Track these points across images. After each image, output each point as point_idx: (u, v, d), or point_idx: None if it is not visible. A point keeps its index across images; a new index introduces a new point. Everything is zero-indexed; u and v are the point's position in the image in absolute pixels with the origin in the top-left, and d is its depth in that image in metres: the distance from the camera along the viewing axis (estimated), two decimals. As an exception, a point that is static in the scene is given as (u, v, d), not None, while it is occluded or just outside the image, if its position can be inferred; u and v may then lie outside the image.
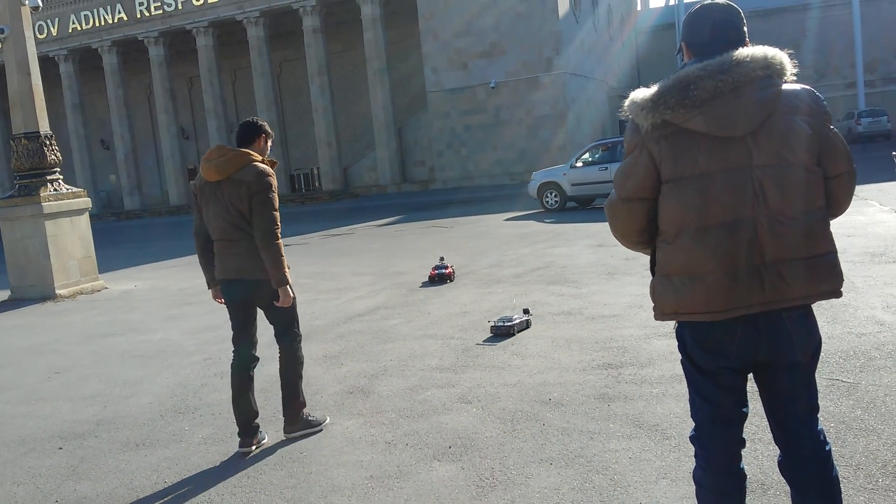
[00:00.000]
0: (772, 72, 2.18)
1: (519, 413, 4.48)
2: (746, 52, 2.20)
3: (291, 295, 4.34)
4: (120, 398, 5.75)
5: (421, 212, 23.02)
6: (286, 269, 4.29)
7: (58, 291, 11.42)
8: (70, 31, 42.49)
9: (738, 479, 2.39)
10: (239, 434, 4.44)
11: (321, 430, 4.58)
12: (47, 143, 11.74)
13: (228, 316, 4.60)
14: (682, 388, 3.14)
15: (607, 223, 2.46)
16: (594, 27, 39.61)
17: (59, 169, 12.03)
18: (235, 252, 4.32)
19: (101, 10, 41.60)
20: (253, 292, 4.39)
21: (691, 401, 2.40)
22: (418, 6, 34.90)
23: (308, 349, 6.00)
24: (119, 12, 41.19)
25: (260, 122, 4.55)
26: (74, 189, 12.27)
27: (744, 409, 2.36)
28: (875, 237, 9.26)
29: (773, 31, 46.82)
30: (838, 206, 2.32)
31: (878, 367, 4.59)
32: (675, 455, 3.67)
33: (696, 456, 2.42)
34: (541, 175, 19.46)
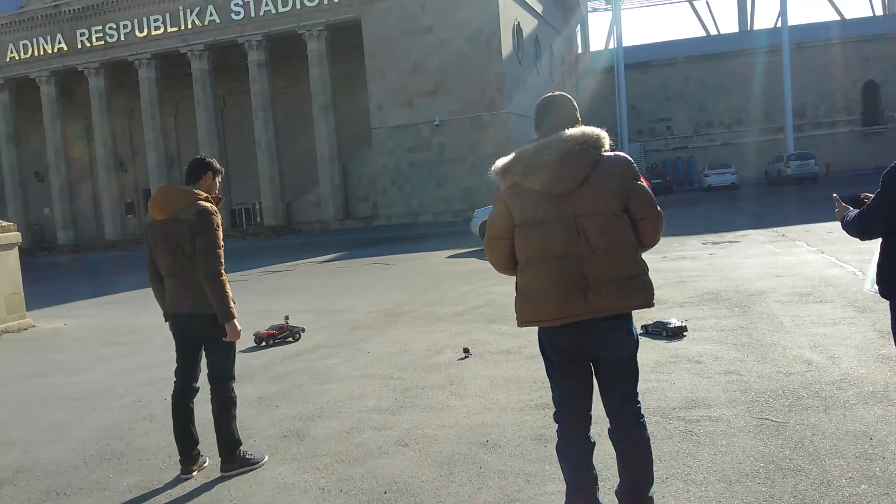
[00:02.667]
0: (588, 145, 2.97)
1: (456, 455, 4.44)
2: (570, 131, 3.00)
3: (238, 329, 4.43)
4: (42, 444, 5.51)
5: (364, 248, 22.93)
6: (231, 304, 4.39)
7: (-18, 329, 10.96)
8: (7, 59, 41.49)
9: (586, 447, 3.13)
10: (180, 461, 4.56)
11: (260, 468, 4.54)
12: (-25, 175, 11.34)
13: (175, 347, 4.71)
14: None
15: None
16: (537, 69, 40.45)
17: (-13, 202, 11.63)
18: (182, 288, 4.45)
19: (41, 39, 40.79)
20: (199, 326, 4.47)
21: (551, 388, 3.20)
22: (364, 44, 35.15)
23: (243, 390, 5.90)
24: (59, 42, 40.47)
25: (208, 160, 4.63)
26: (4, 223, 11.86)
27: (588, 394, 3.12)
28: (802, 277, 9.55)
29: (708, 75, 48.73)
30: (647, 241, 3.04)
31: (805, 407, 4.69)
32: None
33: (556, 431, 3.17)
34: (483, 213, 19.54)
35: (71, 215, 42.61)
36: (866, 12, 61.92)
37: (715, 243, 14.81)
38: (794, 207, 23.65)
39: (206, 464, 4.67)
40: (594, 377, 3.13)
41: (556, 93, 3.24)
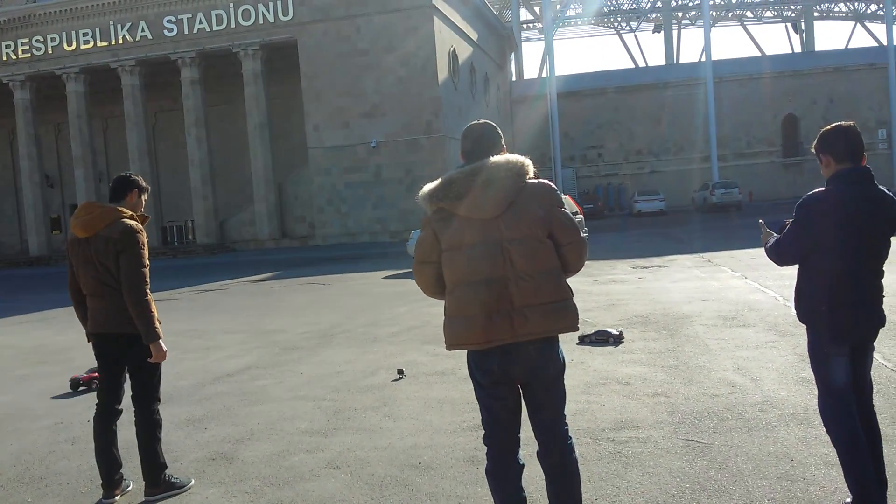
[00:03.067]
0: (513, 172, 3.01)
1: (388, 478, 4.42)
2: (495, 159, 3.05)
3: (164, 349, 4.33)
4: (-45, 468, 5.26)
5: (299, 268, 22.69)
6: (157, 325, 4.29)
7: None
8: (-74, 69, 39.83)
9: (514, 470, 3.12)
10: (102, 486, 4.40)
11: (186, 492, 4.44)
12: None
13: (96, 368, 4.56)
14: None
15: None
16: (472, 95, 40.96)
17: None
18: (105, 307, 4.32)
19: (-38, 49, 39.29)
20: (122, 346, 4.36)
21: (480, 410, 3.18)
22: (300, 65, 35.02)
23: (170, 412, 5.77)
24: (-18, 53, 39.04)
25: (133, 177, 4.53)
26: (-83, 238, 11.34)
27: (517, 416, 3.11)
28: (727, 301, 9.88)
29: (636, 106, 50.15)
30: (571, 266, 3.09)
31: (729, 428, 4.84)
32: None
33: (486, 453, 3.16)
34: (418, 234, 19.64)
35: (-9, 230, 40.95)
36: (786, 49, 64.94)
37: (644, 267, 15.19)
38: (719, 234, 24.43)
39: (129, 488, 4.54)
40: (522, 399, 3.15)
41: (482, 121, 3.28)
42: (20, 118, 39.12)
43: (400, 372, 7.05)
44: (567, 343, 6.12)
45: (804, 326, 3.57)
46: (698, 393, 5.70)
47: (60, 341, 10.86)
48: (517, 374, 3.04)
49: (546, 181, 3.12)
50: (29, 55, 38.47)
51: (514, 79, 55.86)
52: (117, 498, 4.41)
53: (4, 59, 38.73)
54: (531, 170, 3.08)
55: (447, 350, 3.14)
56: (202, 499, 4.35)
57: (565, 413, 3.19)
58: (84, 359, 8.96)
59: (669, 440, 4.69)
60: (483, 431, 3.19)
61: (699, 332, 7.98)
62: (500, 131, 3.24)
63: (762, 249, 3.72)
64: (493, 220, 2.97)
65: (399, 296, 13.83)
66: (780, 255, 3.54)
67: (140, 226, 4.38)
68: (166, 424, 4.68)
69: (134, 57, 37.00)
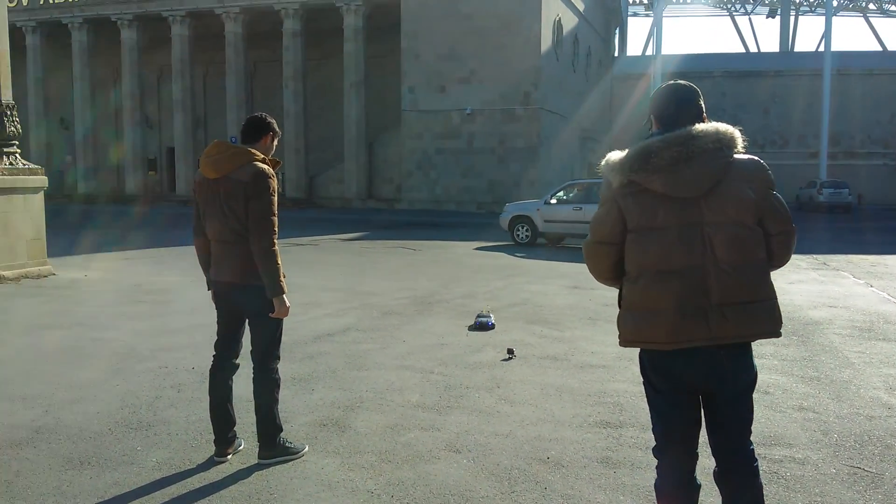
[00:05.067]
0: (722, 145, 2.58)
1: (516, 471, 4.06)
2: (702, 127, 2.60)
3: (287, 305, 4.02)
4: (63, 402, 5.17)
5: (387, 230, 22.56)
6: (282, 279, 3.98)
7: (1, 273, 10.64)
8: (41, 2, 41.12)
9: (690, 489, 2.75)
10: (215, 442, 4.20)
11: (300, 458, 4.19)
12: (8, 112, 11.01)
13: (216, 319, 4.27)
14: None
15: (580, 263, 2.86)
16: (573, 67, 39.87)
17: (17, 142, 11.30)
18: (230, 255, 4.01)
19: (76, -15, 40.40)
20: (245, 299, 4.06)
21: (651, 418, 2.80)
22: (402, 23, 34.62)
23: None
24: (95, -11, 40.05)
25: (268, 120, 4.22)
26: (31, 165, 11.54)
27: (696, 429, 2.73)
28: (858, 311, 9.12)
29: (744, 93, 48.02)
30: (779, 259, 2.69)
31: (896, 457, 4.29)
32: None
33: (656, 468, 2.79)
34: (514, 208, 19.20)
35: (94, 165, 42.31)
36: (910, 45, 60.91)
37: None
38: (828, 235, 23.11)
39: (241, 447, 4.33)
40: (703, 410, 2.74)
41: (680, 81, 2.81)
42: (126, 58, 40.01)
43: (510, 352, 6.68)
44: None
45: None
46: (851, 412, 5.13)
47: (161, 281, 10.90)
48: (703, 382, 2.65)
49: (756, 157, 2.67)
50: (138, -4, 39.27)
51: (616, 54, 54.16)
52: (229, 457, 4.20)
53: (115, -2, 39.64)
54: (741, 142, 2.63)
55: (620, 346, 2.74)
56: (317, 468, 4.08)
57: (752, 430, 2.78)
58: (185, 303, 8.93)
59: (831, 465, 4.17)
60: (653, 441, 2.82)
61: (835, 343, 7.32)
62: (701, 94, 2.77)
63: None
64: (695, 200, 2.56)
65: (494, 269, 13.45)
66: None
67: (272, 171, 4.05)
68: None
69: (239, 4, 37.26)
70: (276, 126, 4.26)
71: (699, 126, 2.61)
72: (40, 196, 11.45)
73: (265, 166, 4.01)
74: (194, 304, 8.40)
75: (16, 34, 40.31)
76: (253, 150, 4.04)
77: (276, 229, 4.01)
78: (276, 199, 4.03)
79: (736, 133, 2.62)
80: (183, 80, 39.21)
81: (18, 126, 11.30)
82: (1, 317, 8.31)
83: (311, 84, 38.39)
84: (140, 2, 39.22)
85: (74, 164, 42.67)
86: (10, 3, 39.70)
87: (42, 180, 11.54)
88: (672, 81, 2.82)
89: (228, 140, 4.12)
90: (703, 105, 2.73)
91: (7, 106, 11.01)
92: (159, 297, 9.63)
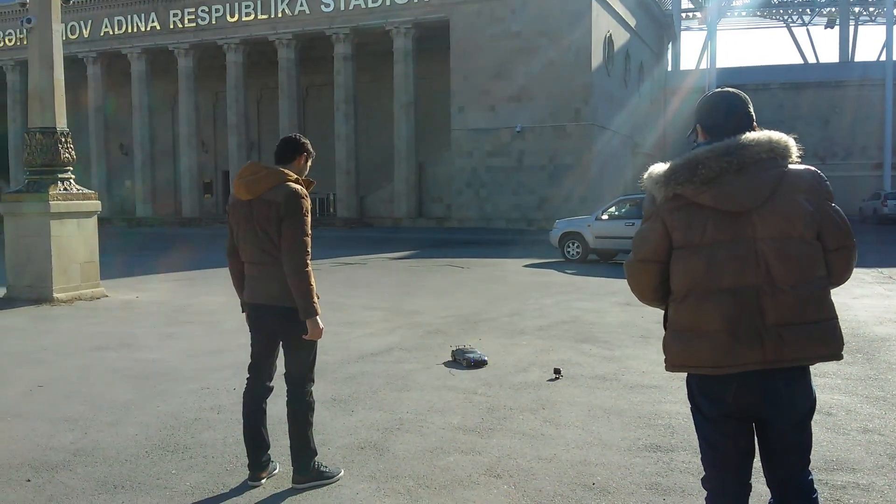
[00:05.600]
0: (775, 154, 2.41)
1: (559, 497, 3.86)
2: (753, 136, 2.44)
3: (321, 327, 3.92)
4: (103, 424, 5.15)
5: (436, 248, 22.48)
6: (315, 300, 3.88)
7: (55, 295, 10.85)
8: (101, 34, 42.52)
9: None
10: (248, 466, 4.12)
11: (335, 483, 4.08)
12: (62, 139, 11.27)
13: (250, 341, 4.22)
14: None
15: None
16: (625, 82, 39.46)
17: (71, 168, 11.55)
18: (264, 276, 3.95)
19: (135, 16, 41.63)
20: (279, 321, 3.98)
21: (700, 446, 2.63)
22: (451, 44, 34.76)
23: (316, 388, 5.42)
24: (152, 21, 41.23)
25: (302, 140, 4.13)
26: (85, 190, 11.78)
27: (749, 458, 2.54)
28: (928, 327, 8.65)
29: (803, 104, 46.79)
30: (838, 276, 2.49)
31: (975, 485, 3.96)
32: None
33: (705, 499, 2.63)
34: (564, 224, 18.94)
35: (152, 189, 43.40)
36: (978, 51, 58.73)
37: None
38: (894, 248, 22.21)
39: (276, 471, 4.22)
40: (756, 438, 2.55)
41: (727, 88, 2.65)
42: (182, 85, 41.07)
43: (557, 372, 6.47)
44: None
45: None
46: (931, 437, 4.78)
47: (210, 302, 10.98)
48: (756, 409, 2.46)
49: (812, 168, 2.49)
50: (194, 24, 40.27)
51: (670, 69, 53.43)
52: (263, 481, 4.10)
53: (171, 27, 40.74)
54: (795, 152, 2.45)
55: (667, 371, 2.58)
56: (352, 493, 3.95)
57: (810, 460, 2.57)
58: (233, 323, 8.92)
59: (900, 492, 3.87)
60: (701, 471, 2.65)
61: (908, 361, 6.91)
62: (750, 101, 2.59)
63: None
64: (746, 214, 2.39)
65: (542, 286, 13.22)
66: None
67: (305, 191, 3.98)
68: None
69: (291, 31, 37.96)
70: (310, 146, 4.18)
71: (750, 134, 2.45)
72: (93, 220, 11.67)
73: (298, 186, 3.95)
74: (241, 324, 8.32)
75: (76, 65, 41.80)
76: (286, 171, 3.97)
77: (310, 250, 3.95)
78: (309, 219, 3.96)
79: (790, 141, 2.46)
80: (237, 105, 40.02)
81: (72, 152, 11.55)
82: (51, 338, 8.43)
83: (362, 106, 38.78)
84: (196, 31, 40.27)
85: (133, 188, 43.82)
86: (72, 35, 41.26)
87: (95, 205, 11.77)
88: (718, 90, 2.65)
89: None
90: (752, 113, 2.57)
91: (62, 133, 11.27)
92: (207, 318, 9.67)
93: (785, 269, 2.36)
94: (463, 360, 6.83)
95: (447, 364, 6.90)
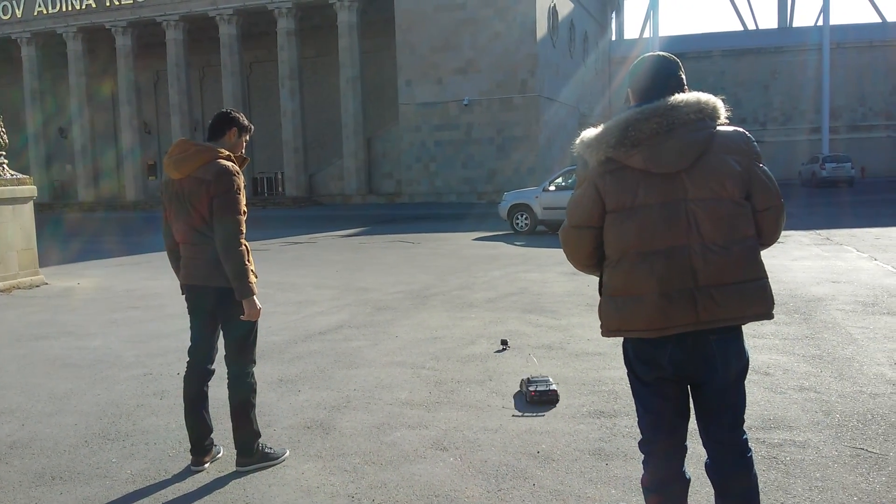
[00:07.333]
0: (704, 115, 2.42)
1: (504, 467, 3.89)
2: (681, 97, 2.44)
3: (258, 307, 3.85)
4: (41, 415, 5.03)
5: (386, 225, 22.40)
6: (251, 280, 3.80)
7: (-9, 284, 10.53)
8: (35, 13, 41.03)
9: (679, 484, 2.60)
10: (191, 451, 4.04)
11: (280, 464, 4.04)
12: (-7, 123, 10.87)
13: (189, 323, 4.13)
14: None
15: None
16: (570, 53, 39.58)
17: (4, 153, 11.16)
18: (198, 257, 3.87)
19: (69, -6, 40.32)
20: (215, 302, 3.90)
21: (637, 410, 2.64)
22: (396, 17, 34.41)
23: (262, 370, 5.37)
24: (87, -2, 39.96)
25: (234, 114, 4.03)
26: (19, 175, 11.39)
27: (685, 420, 2.59)
28: (861, 285, 8.91)
29: (744, 71, 47.62)
30: (767, 236, 2.52)
31: (902, 436, 4.11)
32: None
33: (643, 462, 2.64)
34: (512, 196, 19.01)
35: (93, 173, 42.27)
36: (910, 16, 60.22)
37: (755, 243, 14.12)
38: (832, 210, 22.86)
39: (219, 455, 4.17)
40: (691, 400, 2.59)
41: (657, 52, 2.65)
42: (121, 64, 39.97)
43: (504, 343, 6.51)
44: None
45: None
46: (854, 391, 4.95)
47: (154, 286, 10.78)
48: (691, 371, 2.48)
49: (740, 129, 2.50)
50: (131, 1, 39.12)
51: (614, 38, 53.75)
52: (206, 466, 4.04)
53: (108, 4, 39.52)
54: (723, 113, 2.46)
55: (603, 336, 2.56)
56: (297, 474, 3.92)
57: (744, 419, 2.61)
58: (177, 306, 8.77)
59: (833, 447, 4.00)
60: (641, 436, 2.65)
61: (837, 319, 7.12)
62: (680, 64, 2.60)
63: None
64: (677, 176, 2.39)
65: (491, 259, 13.29)
66: None
67: (237, 168, 3.88)
68: (259, 383, 4.21)
69: (232, 6, 37.15)
70: (242, 120, 4.07)
71: (679, 96, 2.45)
72: (30, 206, 11.32)
73: (230, 164, 3.86)
74: (185, 308, 8.25)
75: (11, 46, 40.37)
76: (217, 149, 3.88)
77: (243, 228, 3.86)
78: (242, 197, 3.87)
79: (718, 102, 2.45)
80: (179, 84, 39.15)
81: (5, 137, 11.15)
82: (-12, 329, 8.18)
83: (307, 82, 38.28)
84: (133, 8, 39.13)
85: (74, 172, 42.64)
86: (5, 15, 39.72)
87: (31, 190, 11.41)
88: (648, 54, 2.66)
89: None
90: (683, 76, 2.56)
91: (-9, 116, 10.85)
92: (151, 303, 9.49)
93: (714, 229, 2.37)
94: (527, 394, 4.95)
95: (514, 395, 5.16)
